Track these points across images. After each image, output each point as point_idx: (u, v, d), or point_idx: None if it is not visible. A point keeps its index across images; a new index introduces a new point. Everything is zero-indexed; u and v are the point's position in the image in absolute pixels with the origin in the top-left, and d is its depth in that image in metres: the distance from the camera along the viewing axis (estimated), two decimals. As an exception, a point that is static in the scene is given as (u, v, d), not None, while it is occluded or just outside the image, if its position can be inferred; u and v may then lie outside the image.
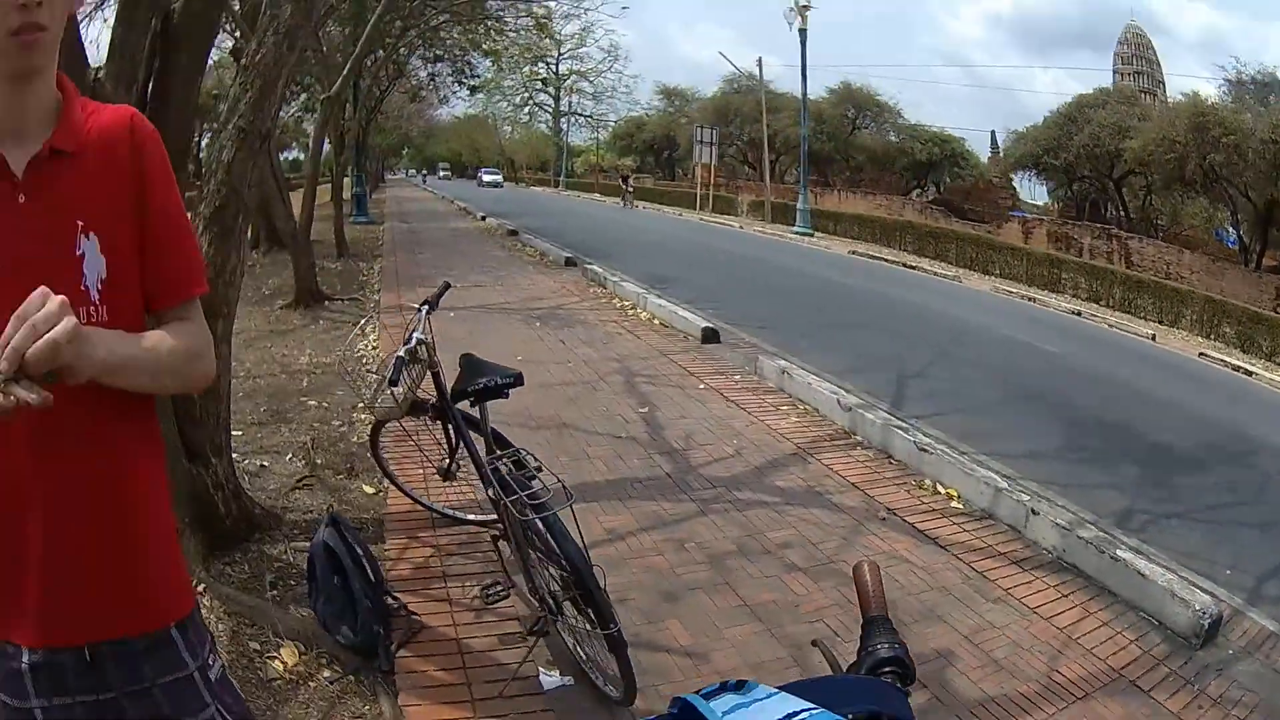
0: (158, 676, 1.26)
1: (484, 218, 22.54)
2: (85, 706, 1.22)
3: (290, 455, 4.83)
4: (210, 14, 3.43)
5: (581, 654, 2.68)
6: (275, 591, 3.32)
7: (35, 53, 1.10)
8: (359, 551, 2.97)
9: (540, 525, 2.51)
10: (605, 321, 8.44)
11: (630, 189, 32.78)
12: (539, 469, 2.67)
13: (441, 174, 71.14)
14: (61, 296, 0.99)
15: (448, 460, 3.39)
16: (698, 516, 3.79)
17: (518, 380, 2.95)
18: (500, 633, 2.97)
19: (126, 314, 1.19)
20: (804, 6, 25.48)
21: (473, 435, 3.08)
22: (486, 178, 52.48)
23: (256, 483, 4.32)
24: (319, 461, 4.75)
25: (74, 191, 1.15)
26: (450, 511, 3.87)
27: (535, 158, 62.56)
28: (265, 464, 4.66)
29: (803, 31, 25.60)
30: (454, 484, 3.65)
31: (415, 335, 2.99)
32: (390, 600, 3.05)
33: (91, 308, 1.16)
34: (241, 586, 3.29)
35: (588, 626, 2.47)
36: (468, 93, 27.10)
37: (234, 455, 3.90)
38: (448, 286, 3.52)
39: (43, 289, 0.98)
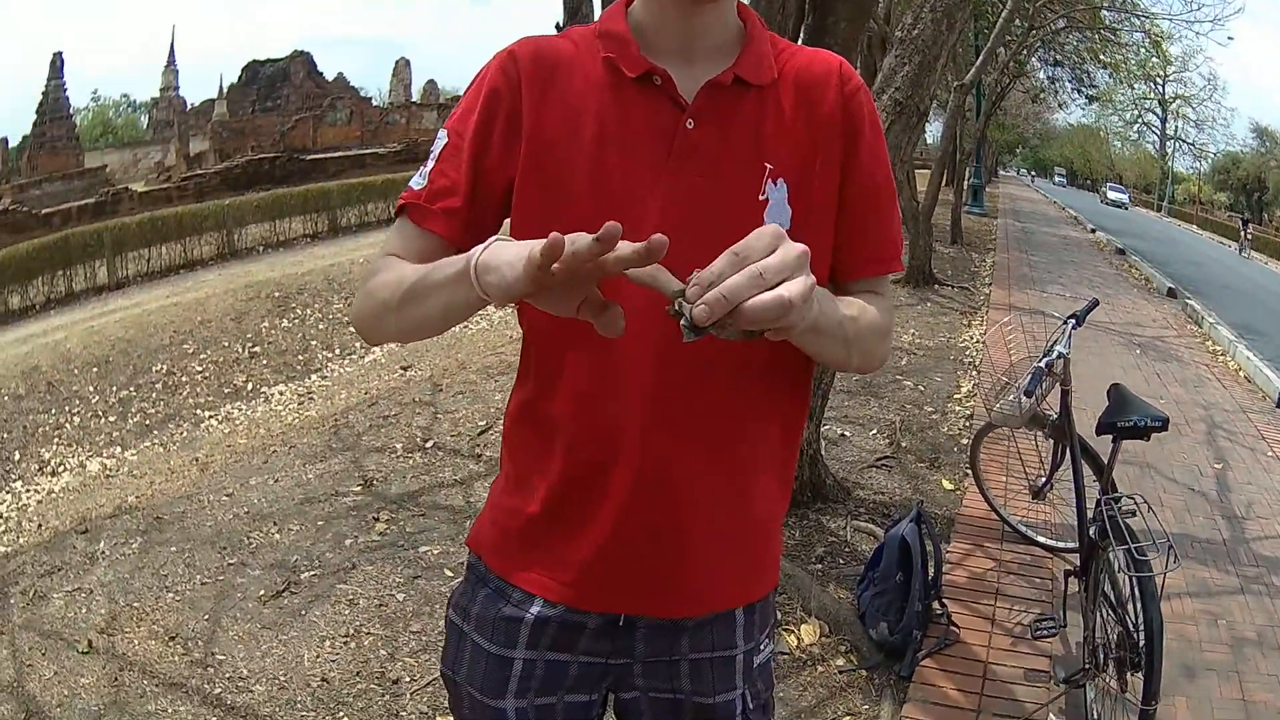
0: (693, 651, 1.06)
1: (1093, 230, 21.81)
2: (583, 666, 1.06)
3: (875, 431, 4.78)
4: None
5: (1095, 713, 2.52)
6: (820, 566, 3.28)
7: None
8: (930, 552, 2.92)
9: (1131, 579, 2.36)
10: (1197, 363, 7.80)
11: (1249, 236, 27.59)
12: (1133, 513, 2.43)
13: (1057, 180, 66.48)
14: (803, 246, 0.77)
15: (1044, 480, 3.37)
16: (1236, 593, 3.56)
17: (1164, 425, 2.71)
18: (1027, 667, 2.79)
19: None
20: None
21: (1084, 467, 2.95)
22: (1112, 194, 46.28)
23: (833, 451, 4.35)
24: (903, 444, 4.64)
25: (759, 129, 0.99)
26: (1024, 529, 3.66)
27: (1141, 178, 56.88)
28: (846, 434, 4.68)
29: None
30: (1034, 503, 3.59)
31: (1058, 349, 2.98)
32: (937, 606, 2.95)
33: None
34: (786, 552, 3.28)
35: (1121, 691, 2.35)
36: (1085, 101, 26.51)
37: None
38: (1095, 304, 3.39)
39: (775, 227, 0.77)
